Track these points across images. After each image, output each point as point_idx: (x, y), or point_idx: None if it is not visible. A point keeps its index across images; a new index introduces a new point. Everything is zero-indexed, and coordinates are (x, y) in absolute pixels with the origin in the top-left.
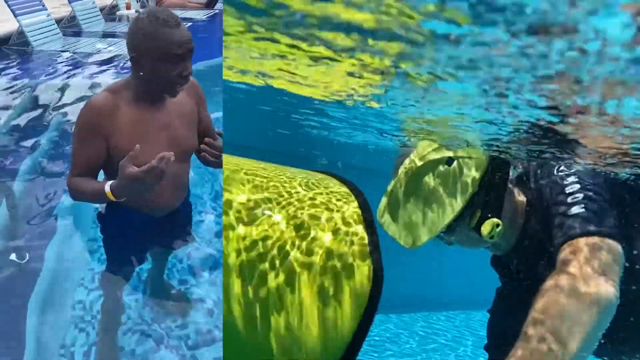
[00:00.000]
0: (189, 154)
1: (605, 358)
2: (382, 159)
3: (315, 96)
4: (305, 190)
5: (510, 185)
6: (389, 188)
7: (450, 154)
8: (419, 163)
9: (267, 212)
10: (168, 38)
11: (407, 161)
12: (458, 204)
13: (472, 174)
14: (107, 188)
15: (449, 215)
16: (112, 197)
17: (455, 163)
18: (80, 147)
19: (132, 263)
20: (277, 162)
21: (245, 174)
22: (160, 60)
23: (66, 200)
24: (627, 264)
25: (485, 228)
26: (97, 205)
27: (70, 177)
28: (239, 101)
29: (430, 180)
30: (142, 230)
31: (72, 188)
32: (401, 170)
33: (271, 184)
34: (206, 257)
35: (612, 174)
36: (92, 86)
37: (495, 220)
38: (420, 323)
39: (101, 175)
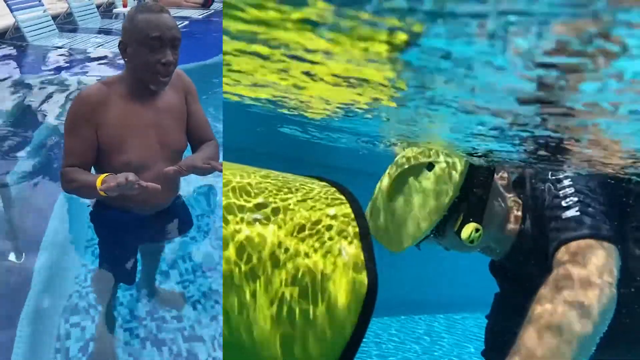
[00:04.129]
0: (179, 153)
1: None
2: (374, 162)
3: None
4: (303, 196)
5: (502, 190)
6: (374, 193)
7: (431, 159)
8: (401, 169)
9: (257, 217)
10: (147, 21)
11: (389, 167)
12: (439, 208)
13: (453, 178)
14: (98, 183)
15: (431, 221)
16: (100, 192)
17: (435, 168)
18: (71, 137)
19: (123, 261)
20: (274, 165)
21: (246, 179)
22: (139, 44)
23: (62, 198)
24: (622, 266)
25: (465, 232)
26: (88, 202)
27: (63, 167)
28: (238, 109)
29: (411, 185)
30: (132, 229)
31: (64, 178)
32: (384, 175)
33: (270, 190)
34: (201, 255)
35: (608, 176)
36: (87, 82)
37: (474, 224)
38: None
39: None
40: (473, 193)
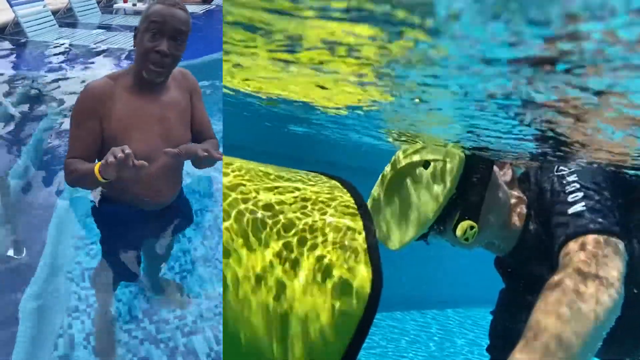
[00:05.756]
0: None
1: (605, 358)
2: (375, 159)
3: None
4: (306, 194)
5: (504, 186)
6: (373, 191)
7: (427, 157)
8: (398, 167)
9: (259, 215)
10: (155, 9)
11: (388, 165)
12: (435, 207)
13: (448, 177)
14: (96, 169)
15: (427, 220)
16: (99, 176)
17: (431, 167)
18: (76, 129)
19: (126, 257)
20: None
21: (246, 174)
22: (141, 30)
23: (64, 193)
24: (629, 261)
25: (460, 230)
26: (92, 198)
27: (67, 158)
28: (238, 105)
29: (408, 184)
30: (135, 225)
31: (66, 169)
32: (383, 173)
33: (272, 186)
34: (204, 251)
35: (614, 171)
36: (87, 78)
37: (469, 222)
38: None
39: None
40: (469, 191)
